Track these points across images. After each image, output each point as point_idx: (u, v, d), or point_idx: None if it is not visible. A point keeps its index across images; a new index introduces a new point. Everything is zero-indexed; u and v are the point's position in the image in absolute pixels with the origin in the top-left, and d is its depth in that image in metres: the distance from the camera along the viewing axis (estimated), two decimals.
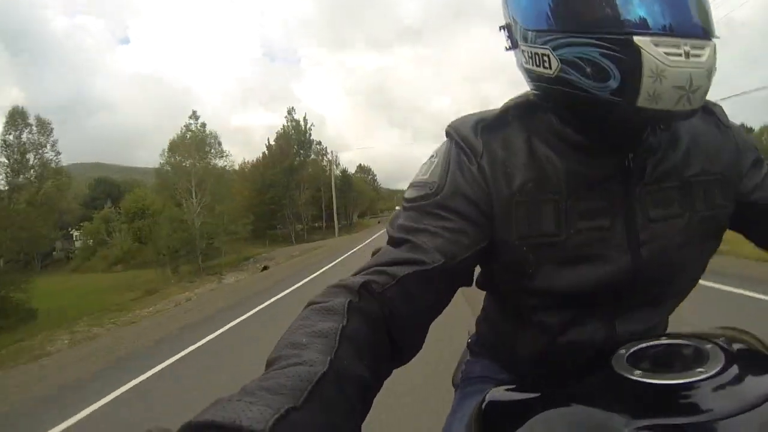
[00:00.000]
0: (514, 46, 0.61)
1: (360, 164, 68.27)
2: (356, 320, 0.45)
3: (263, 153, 33.77)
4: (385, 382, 0.48)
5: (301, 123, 36.66)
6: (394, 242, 0.58)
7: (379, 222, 49.89)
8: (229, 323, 6.46)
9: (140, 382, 4.22)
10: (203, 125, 26.11)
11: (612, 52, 0.49)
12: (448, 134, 0.63)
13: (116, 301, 14.03)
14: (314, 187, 36.64)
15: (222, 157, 26.14)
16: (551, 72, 0.54)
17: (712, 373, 0.45)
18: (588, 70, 0.51)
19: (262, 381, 0.36)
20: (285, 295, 8.61)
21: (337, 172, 43.14)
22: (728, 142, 0.65)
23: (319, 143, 40.29)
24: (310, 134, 36.85)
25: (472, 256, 0.58)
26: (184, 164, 22.69)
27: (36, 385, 4.61)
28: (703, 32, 0.50)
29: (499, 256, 0.62)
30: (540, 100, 0.62)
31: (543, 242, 0.59)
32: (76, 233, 41.89)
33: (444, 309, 0.59)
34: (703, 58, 0.49)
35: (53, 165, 20.23)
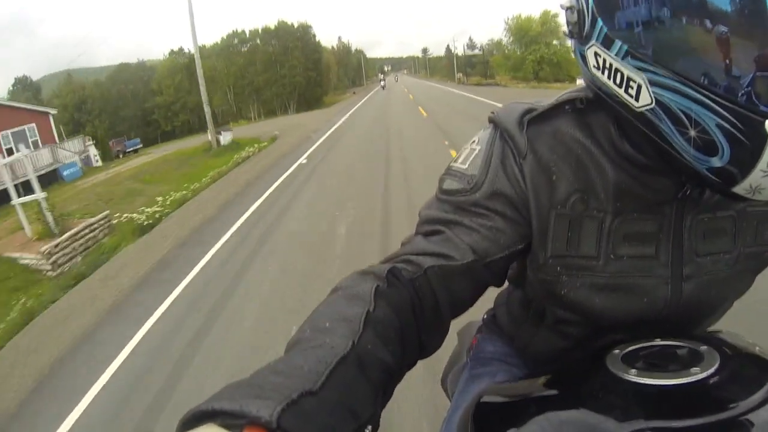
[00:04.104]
0: (581, 40, 0.48)
1: (356, 48, 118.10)
2: (383, 306, 0.43)
3: (332, 50, 78.45)
4: None
5: (347, 43, 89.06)
6: (425, 232, 0.54)
7: (371, 83, 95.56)
8: (371, 92, 51.50)
9: (370, 95, 45.93)
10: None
11: (733, 129, 0.38)
12: (491, 121, 0.56)
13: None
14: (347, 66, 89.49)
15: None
16: (636, 105, 0.43)
17: (708, 374, 0.43)
18: (691, 133, 0.40)
19: (277, 363, 0.35)
20: (373, 93, 51.06)
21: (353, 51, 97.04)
22: None
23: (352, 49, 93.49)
24: (351, 50, 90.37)
25: (507, 257, 0.53)
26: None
27: (348, 101, 45.56)
28: None
29: (530, 267, 0.58)
30: (599, 105, 0.51)
31: (579, 265, 0.54)
32: None
33: (469, 308, 0.54)
34: None
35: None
